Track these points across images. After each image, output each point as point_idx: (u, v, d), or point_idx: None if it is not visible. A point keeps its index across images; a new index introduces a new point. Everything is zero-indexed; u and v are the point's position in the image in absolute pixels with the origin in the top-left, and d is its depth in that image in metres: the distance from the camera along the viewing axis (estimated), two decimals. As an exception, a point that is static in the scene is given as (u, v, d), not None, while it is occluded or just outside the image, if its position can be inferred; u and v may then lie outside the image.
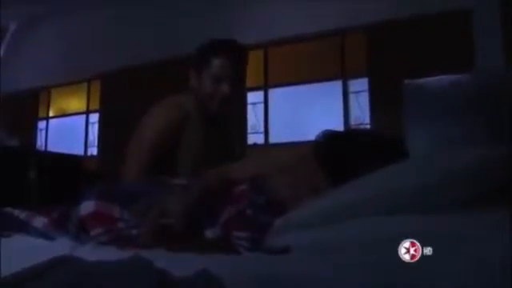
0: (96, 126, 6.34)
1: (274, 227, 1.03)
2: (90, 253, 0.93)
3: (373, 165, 1.06)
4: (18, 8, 5.94)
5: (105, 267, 0.60)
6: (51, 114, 7.00)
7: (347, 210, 0.95)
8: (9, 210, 1.20)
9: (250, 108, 5.28)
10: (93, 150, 6.36)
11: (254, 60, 5.03)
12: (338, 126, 4.42)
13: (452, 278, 0.65)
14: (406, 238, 0.77)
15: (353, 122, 4.78)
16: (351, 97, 4.86)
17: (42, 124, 6.95)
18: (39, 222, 1.16)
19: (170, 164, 1.64)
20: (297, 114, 5.13)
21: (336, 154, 1.23)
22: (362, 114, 4.74)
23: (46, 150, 6.45)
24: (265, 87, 5.30)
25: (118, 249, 0.98)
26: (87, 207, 1.09)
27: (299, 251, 0.88)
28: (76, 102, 6.84)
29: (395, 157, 1.12)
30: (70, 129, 6.65)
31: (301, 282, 0.70)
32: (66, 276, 0.56)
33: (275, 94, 5.30)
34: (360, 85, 4.77)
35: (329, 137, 1.30)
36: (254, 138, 5.21)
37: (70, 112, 6.90)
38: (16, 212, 1.19)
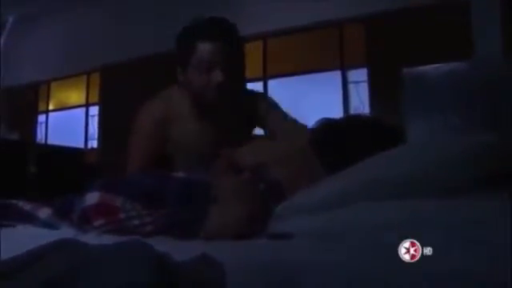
0: (96, 119, 6.34)
1: (275, 213, 1.04)
2: (91, 241, 0.94)
3: (369, 152, 1.08)
4: (17, 2, 5.92)
5: (104, 250, 0.61)
6: (51, 108, 7.00)
7: (346, 196, 0.96)
8: (13, 201, 1.22)
9: (249, 99, 5.27)
10: (93, 143, 6.36)
11: (254, 51, 5.02)
12: (338, 117, 4.41)
13: (450, 262, 0.66)
14: (404, 223, 0.79)
15: (352, 112, 4.78)
16: (350, 87, 4.86)
17: (41, 117, 6.95)
18: (43, 212, 1.17)
19: (168, 159, 1.60)
20: (296, 104, 5.11)
21: (332, 142, 1.24)
22: (361, 105, 4.74)
23: (46, 143, 6.46)
24: (264, 78, 5.29)
25: (120, 238, 1.00)
26: (91, 198, 1.10)
27: (300, 237, 0.89)
28: (76, 95, 6.83)
29: (392, 143, 1.13)
30: (69, 122, 6.65)
31: (301, 268, 0.71)
32: (65, 258, 0.57)
33: (274, 84, 5.29)
34: (359, 75, 4.77)
35: (324, 125, 1.30)
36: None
37: (70, 105, 6.90)
38: (20, 203, 1.20)
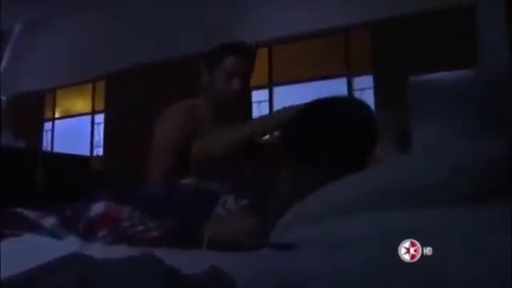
0: (102, 127, 6.37)
1: (282, 223, 1.03)
2: (98, 251, 0.93)
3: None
4: (21, 9, 5.96)
5: (114, 264, 0.60)
6: (57, 115, 7.04)
7: (353, 204, 0.95)
8: (19, 210, 1.21)
9: (255, 106, 5.28)
10: (99, 151, 6.39)
11: (259, 58, 5.03)
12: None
13: (456, 273, 0.65)
14: (410, 232, 0.78)
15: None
16: (356, 94, 4.86)
17: (47, 125, 6.99)
18: (48, 221, 1.17)
19: (188, 165, 1.67)
20: (302, 111, 5.13)
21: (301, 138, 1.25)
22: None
23: (52, 151, 6.48)
24: (269, 85, 5.30)
25: (127, 247, 0.99)
26: (97, 208, 1.10)
27: (307, 246, 0.88)
28: (81, 103, 6.87)
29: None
30: (75, 129, 6.68)
31: (306, 277, 0.70)
32: (75, 272, 0.57)
33: (280, 92, 5.30)
34: (365, 82, 4.77)
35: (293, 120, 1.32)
36: (260, 136, 5.21)
37: (76, 113, 6.94)
38: (26, 212, 1.20)
